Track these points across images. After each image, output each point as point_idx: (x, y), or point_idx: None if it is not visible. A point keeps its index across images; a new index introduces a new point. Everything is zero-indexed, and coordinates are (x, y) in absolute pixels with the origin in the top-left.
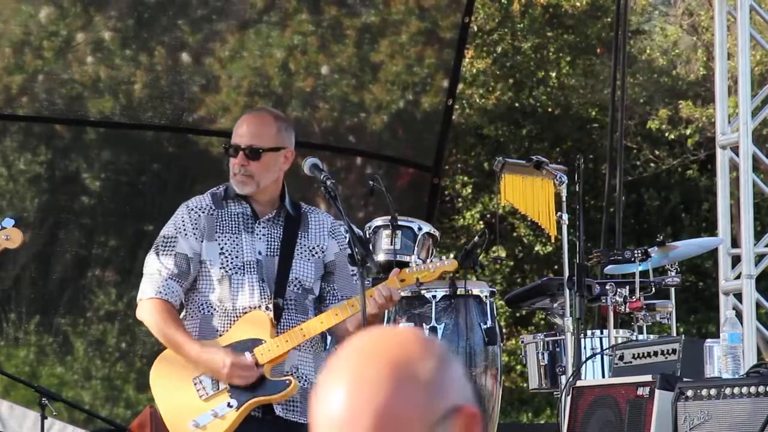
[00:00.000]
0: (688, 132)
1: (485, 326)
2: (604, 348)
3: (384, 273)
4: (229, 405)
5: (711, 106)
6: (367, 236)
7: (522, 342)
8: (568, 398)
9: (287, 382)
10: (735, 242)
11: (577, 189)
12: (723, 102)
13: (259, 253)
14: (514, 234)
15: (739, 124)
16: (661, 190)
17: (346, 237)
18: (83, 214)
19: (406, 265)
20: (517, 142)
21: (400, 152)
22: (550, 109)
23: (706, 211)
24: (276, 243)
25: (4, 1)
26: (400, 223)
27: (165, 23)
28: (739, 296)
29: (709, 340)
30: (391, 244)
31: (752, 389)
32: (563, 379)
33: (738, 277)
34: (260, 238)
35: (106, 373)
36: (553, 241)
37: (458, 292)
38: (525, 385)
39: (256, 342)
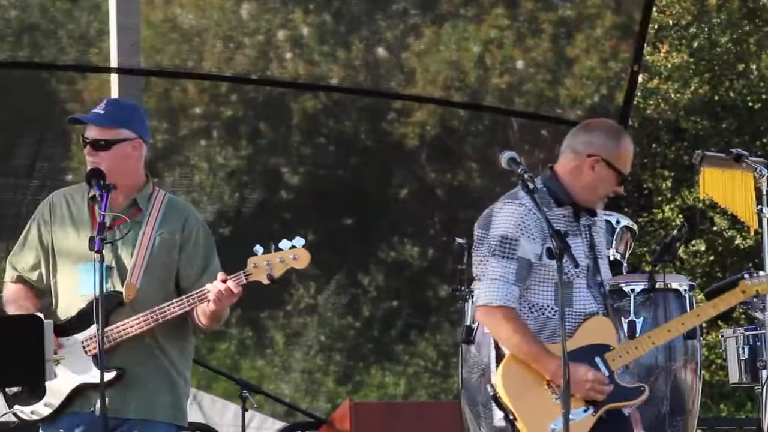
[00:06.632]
0: None
1: None
2: None
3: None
4: (585, 410)
5: None
6: None
7: (722, 336)
8: None
9: (641, 389)
10: None
11: None
12: None
13: (587, 256)
14: (714, 227)
15: None
16: None
17: None
18: (284, 208)
19: None
20: (717, 136)
21: None
22: (750, 103)
23: None
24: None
25: None
26: None
27: (363, 17)
28: None
29: None
30: None
31: None
32: (764, 373)
33: None
34: (581, 241)
35: (305, 366)
36: (753, 234)
37: (657, 286)
38: (725, 379)
39: (604, 348)
